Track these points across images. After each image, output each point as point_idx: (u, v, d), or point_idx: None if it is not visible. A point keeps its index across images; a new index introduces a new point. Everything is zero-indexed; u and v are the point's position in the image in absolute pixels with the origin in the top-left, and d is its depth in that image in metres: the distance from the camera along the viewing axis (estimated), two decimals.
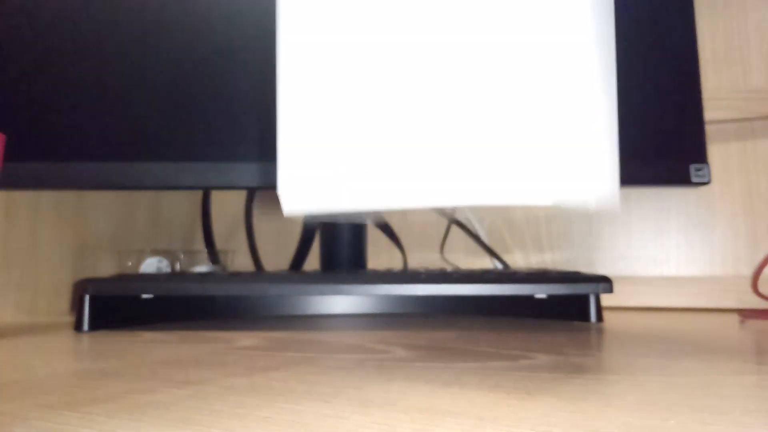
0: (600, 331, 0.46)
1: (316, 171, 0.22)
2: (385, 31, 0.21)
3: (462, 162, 0.21)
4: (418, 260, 0.77)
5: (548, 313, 0.53)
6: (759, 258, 0.63)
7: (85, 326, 0.48)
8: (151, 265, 0.65)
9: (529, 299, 0.52)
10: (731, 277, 0.65)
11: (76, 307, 0.49)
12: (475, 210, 0.73)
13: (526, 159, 0.21)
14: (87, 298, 0.49)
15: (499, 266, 0.72)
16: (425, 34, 0.21)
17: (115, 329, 0.49)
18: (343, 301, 0.54)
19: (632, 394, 0.25)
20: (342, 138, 0.22)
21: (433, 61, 0.21)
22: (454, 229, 0.75)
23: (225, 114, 0.53)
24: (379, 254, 0.78)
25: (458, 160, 0.21)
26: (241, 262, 0.74)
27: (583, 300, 0.51)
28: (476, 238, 0.73)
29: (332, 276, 0.49)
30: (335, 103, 0.22)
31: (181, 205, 0.77)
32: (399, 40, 0.21)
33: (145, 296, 0.52)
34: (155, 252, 0.66)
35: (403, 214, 0.73)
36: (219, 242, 0.72)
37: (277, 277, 0.51)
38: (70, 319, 0.55)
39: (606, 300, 0.52)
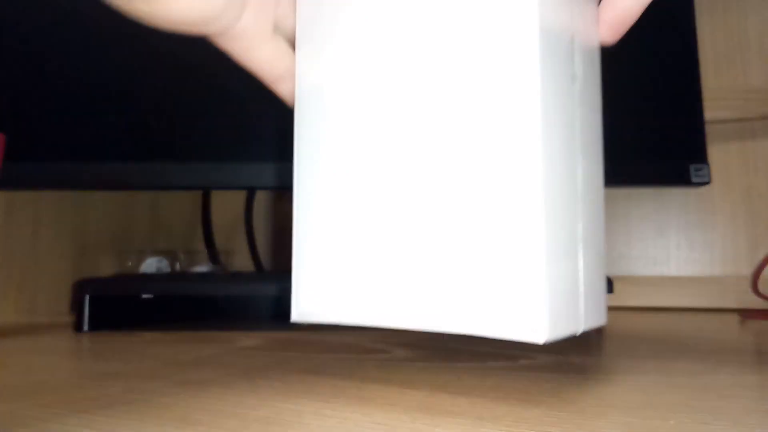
0: (600, 331, 0.46)
1: (325, 285, 0.27)
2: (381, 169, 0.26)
3: (423, 287, 0.24)
4: None
5: None
6: (759, 258, 0.63)
7: (85, 326, 0.48)
8: (151, 265, 0.65)
9: None
10: (731, 277, 0.65)
11: (76, 307, 0.49)
12: None
13: (471, 288, 0.23)
14: (87, 298, 0.49)
15: None
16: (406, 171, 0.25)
17: (115, 329, 0.49)
18: None
19: (632, 394, 0.25)
20: (345, 257, 0.26)
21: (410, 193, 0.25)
22: None
23: (225, 114, 0.53)
24: None
25: (420, 285, 0.24)
26: (241, 262, 0.74)
27: None
28: None
29: None
30: (342, 228, 0.26)
31: (181, 205, 0.77)
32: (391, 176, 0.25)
33: (145, 296, 0.52)
34: (155, 252, 0.66)
35: None
36: (219, 242, 0.72)
37: (277, 277, 0.51)
38: (70, 319, 0.55)
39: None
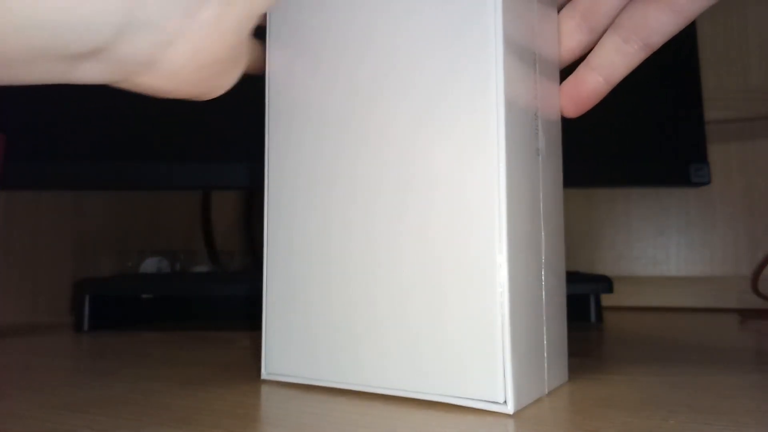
0: (600, 331, 0.46)
1: (295, 345, 0.27)
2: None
3: (391, 351, 0.24)
4: None
5: None
6: (759, 258, 0.63)
7: (85, 326, 0.48)
8: (151, 265, 0.65)
9: None
10: (731, 277, 0.65)
11: (76, 307, 0.49)
12: None
13: (439, 356, 0.23)
14: (87, 298, 0.49)
15: None
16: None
17: (115, 329, 0.49)
18: None
19: (632, 394, 0.25)
20: (314, 319, 0.27)
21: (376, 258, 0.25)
22: None
23: (225, 114, 0.53)
24: None
25: (388, 349, 0.24)
26: (241, 262, 0.74)
27: (583, 300, 0.51)
28: None
29: None
30: (312, 291, 0.27)
31: (181, 205, 0.77)
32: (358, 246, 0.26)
33: (145, 296, 0.52)
34: (155, 252, 0.66)
35: None
36: (219, 242, 0.72)
37: None
38: (70, 319, 0.55)
39: (606, 300, 0.52)
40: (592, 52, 0.28)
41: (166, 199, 0.74)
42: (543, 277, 0.25)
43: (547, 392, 0.25)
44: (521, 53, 0.24)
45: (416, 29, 0.25)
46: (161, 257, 0.66)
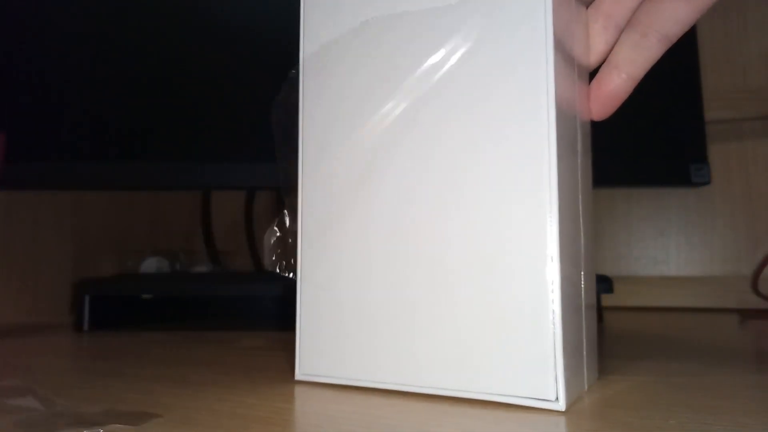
0: (600, 331, 0.46)
1: (330, 345, 0.27)
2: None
3: (435, 349, 0.24)
4: None
5: None
6: (759, 258, 0.63)
7: (85, 326, 0.48)
8: (151, 265, 0.65)
9: None
10: (731, 277, 0.65)
11: (76, 307, 0.49)
12: None
13: (487, 354, 0.23)
14: (87, 298, 0.49)
15: None
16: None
17: (115, 329, 0.49)
18: None
19: (632, 394, 0.25)
20: (351, 318, 0.26)
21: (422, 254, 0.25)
22: None
23: (225, 114, 0.53)
24: None
25: (432, 347, 0.24)
26: (241, 262, 0.74)
27: None
28: None
29: None
30: (349, 289, 0.27)
31: (181, 205, 0.77)
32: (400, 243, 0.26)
33: (145, 296, 0.52)
34: (155, 252, 0.66)
35: None
36: (219, 242, 0.72)
37: (277, 277, 0.50)
38: (70, 319, 0.55)
39: (606, 300, 0.52)
40: (612, 51, 0.28)
41: (166, 199, 0.74)
42: (582, 277, 0.25)
43: (586, 388, 0.25)
44: (566, 55, 0.24)
45: (467, 29, 0.25)
46: (161, 257, 0.66)
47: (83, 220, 0.63)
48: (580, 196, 0.26)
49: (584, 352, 0.25)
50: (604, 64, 0.28)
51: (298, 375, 0.28)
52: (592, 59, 0.28)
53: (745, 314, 0.55)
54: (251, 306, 0.57)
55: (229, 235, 0.75)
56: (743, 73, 0.66)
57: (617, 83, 0.28)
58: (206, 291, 0.52)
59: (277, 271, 0.31)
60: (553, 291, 0.22)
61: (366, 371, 0.26)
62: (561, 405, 0.22)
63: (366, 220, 0.26)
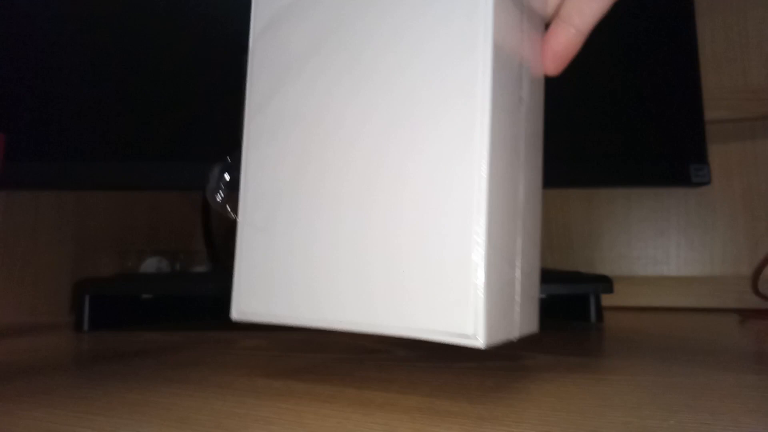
0: (600, 331, 0.46)
1: (265, 284, 0.27)
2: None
3: (362, 288, 0.25)
4: None
5: (548, 313, 0.53)
6: (759, 258, 0.63)
7: (85, 326, 0.48)
8: (151, 265, 0.65)
9: None
10: (731, 277, 0.65)
11: (76, 307, 0.49)
12: None
13: (412, 291, 0.24)
14: (87, 298, 0.49)
15: None
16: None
17: (115, 329, 0.49)
18: None
19: (632, 394, 0.25)
20: (285, 257, 0.27)
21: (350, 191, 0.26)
22: None
23: (225, 114, 0.53)
24: None
25: (359, 286, 0.25)
26: None
27: (583, 300, 0.51)
28: None
29: None
30: (284, 228, 0.27)
31: (181, 205, 0.77)
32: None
33: (145, 296, 0.52)
34: (155, 252, 0.66)
35: None
36: (219, 242, 0.72)
37: None
38: (70, 319, 0.55)
39: (606, 300, 0.52)
40: (560, 4, 0.28)
41: (166, 199, 0.74)
42: (519, 222, 0.25)
43: (518, 335, 0.25)
44: (511, 1, 0.25)
45: None
46: (161, 257, 0.66)
47: (83, 220, 0.63)
48: (522, 146, 0.26)
49: (518, 301, 0.25)
50: (554, 18, 0.28)
51: (234, 314, 0.28)
52: (549, 11, 0.28)
53: (745, 314, 0.55)
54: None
55: (229, 235, 0.75)
56: (743, 73, 0.66)
57: (566, 38, 0.27)
58: (206, 291, 0.52)
59: (226, 211, 0.31)
60: (478, 234, 0.22)
61: (296, 310, 0.26)
62: (480, 342, 0.22)
63: (303, 160, 0.27)
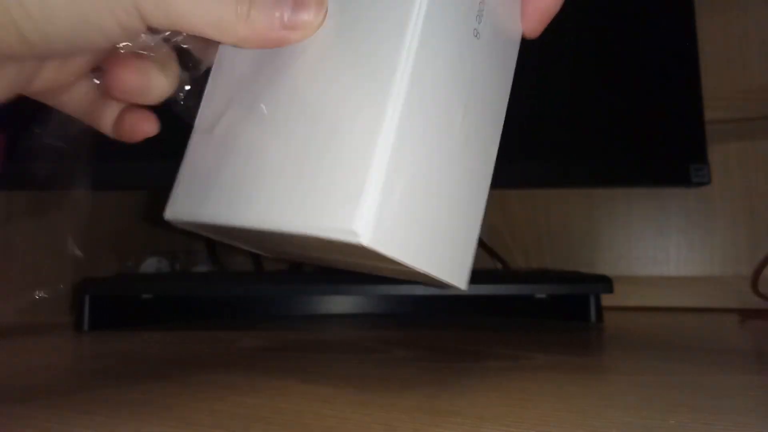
0: (600, 331, 0.46)
1: (201, 187, 0.28)
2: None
3: (270, 188, 0.24)
4: None
5: (548, 313, 0.53)
6: (759, 258, 0.63)
7: (85, 326, 0.48)
8: (151, 265, 0.65)
9: (529, 299, 0.52)
10: (731, 277, 0.65)
11: (76, 307, 0.49)
12: None
13: (312, 190, 0.23)
14: (87, 298, 0.49)
15: (500, 266, 0.72)
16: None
17: (115, 329, 0.49)
18: (343, 301, 0.54)
19: (632, 394, 0.25)
20: (213, 161, 0.27)
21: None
22: None
23: None
24: None
25: (267, 186, 0.24)
26: (241, 262, 0.74)
27: (583, 300, 0.51)
28: None
29: (332, 276, 0.49)
30: (219, 133, 0.28)
31: None
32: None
33: (145, 296, 0.52)
34: (155, 252, 0.66)
35: None
36: (219, 242, 0.72)
37: (277, 277, 0.51)
38: (70, 319, 0.55)
39: (606, 300, 0.52)
40: None
41: (166, 199, 0.74)
42: (457, 158, 0.24)
43: (434, 273, 0.24)
44: None
45: None
46: (161, 257, 0.66)
47: (83, 220, 0.63)
48: (474, 85, 0.25)
49: (440, 236, 0.24)
50: None
51: (166, 215, 0.29)
52: None
53: (745, 314, 0.55)
54: (251, 306, 0.56)
55: None
56: (743, 73, 0.66)
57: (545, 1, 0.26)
58: (206, 291, 0.52)
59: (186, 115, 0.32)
60: (386, 137, 0.22)
61: (217, 211, 0.26)
62: (364, 239, 0.21)
63: (253, 69, 0.27)
